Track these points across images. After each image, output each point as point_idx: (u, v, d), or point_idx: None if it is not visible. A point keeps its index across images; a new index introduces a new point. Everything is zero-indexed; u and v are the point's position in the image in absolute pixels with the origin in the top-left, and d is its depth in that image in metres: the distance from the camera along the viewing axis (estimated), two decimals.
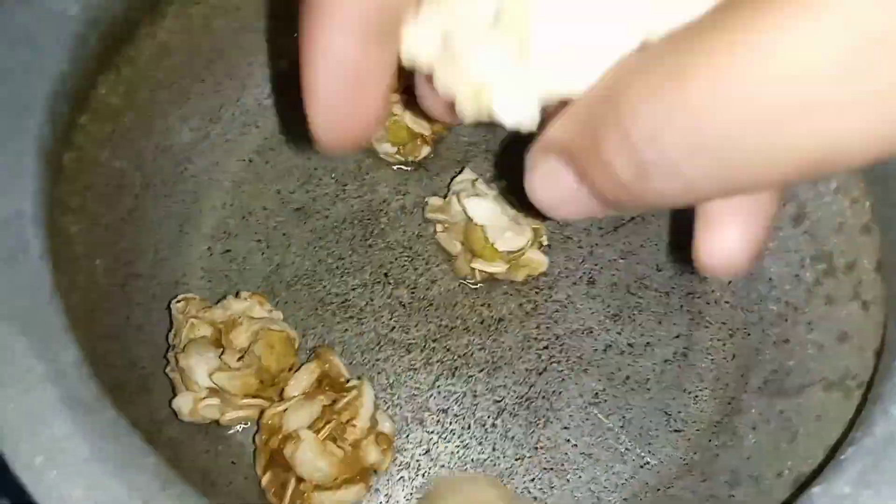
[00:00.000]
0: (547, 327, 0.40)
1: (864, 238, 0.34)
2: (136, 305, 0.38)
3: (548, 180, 0.18)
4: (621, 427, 0.38)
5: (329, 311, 0.40)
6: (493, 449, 0.37)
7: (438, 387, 0.38)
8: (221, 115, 0.43)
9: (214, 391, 0.35)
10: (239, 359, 0.35)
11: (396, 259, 0.41)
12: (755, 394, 0.37)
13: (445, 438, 0.37)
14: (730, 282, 0.40)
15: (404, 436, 0.37)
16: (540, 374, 0.39)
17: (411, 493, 0.36)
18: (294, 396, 0.35)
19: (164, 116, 0.41)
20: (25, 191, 0.29)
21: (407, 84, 0.42)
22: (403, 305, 0.40)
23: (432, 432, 0.38)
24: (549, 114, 0.18)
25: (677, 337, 0.39)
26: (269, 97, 0.44)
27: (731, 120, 0.14)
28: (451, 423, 0.38)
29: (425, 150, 0.42)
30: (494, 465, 0.37)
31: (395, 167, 0.43)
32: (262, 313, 0.37)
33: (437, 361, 0.39)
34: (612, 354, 0.39)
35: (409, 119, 0.41)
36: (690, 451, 0.37)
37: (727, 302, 0.40)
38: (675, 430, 0.38)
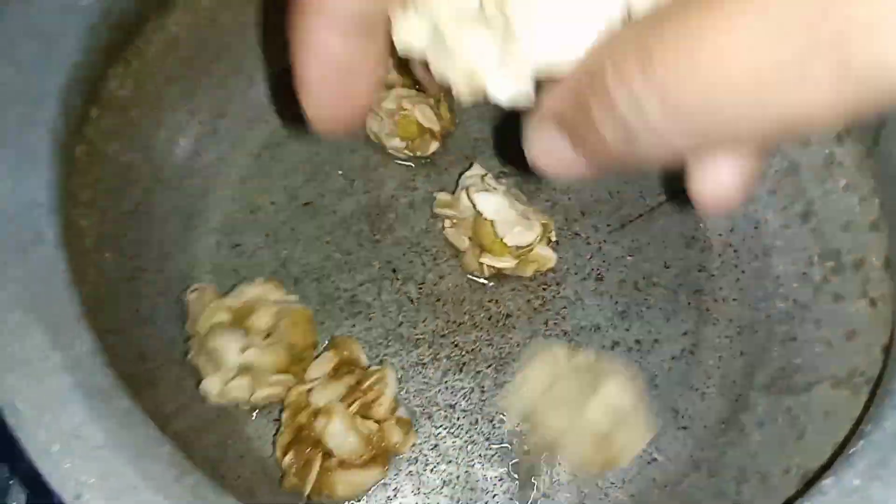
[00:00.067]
0: (555, 323, 0.40)
1: (872, 235, 0.35)
2: (144, 299, 0.38)
3: (546, 147, 0.20)
4: None
5: (337, 307, 0.40)
6: (501, 443, 0.37)
7: (446, 382, 0.39)
8: (229, 110, 0.43)
9: (243, 370, 0.35)
10: (264, 339, 0.35)
11: (404, 254, 0.41)
12: (762, 391, 0.37)
13: (453, 433, 0.38)
14: (737, 279, 0.40)
15: (412, 430, 0.37)
16: None
17: (418, 488, 0.36)
18: (316, 378, 0.35)
19: (172, 110, 0.41)
20: (40, 181, 0.29)
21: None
22: (411, 301, 0.40)
23: (440, 427, 0.38)
24: (545, 87, 0.19)
25: (685, 334, 0.40)
26: (276, 92, 0.44)
27: (703, 93, 0.15)
28: (459, 418, 0.38)
29: (434, 146, 0.43)
30: (502, 460, 0.37)
31: (403, 162, 0.43)
32: (277, 296, 0.37)
33: (445, 357, 0.39)
34: (620, 351, 0.39)
35: (418, 114, 0.41)
36: (697, 447, 0.37)
37: (735, 299, 0.40)
38: (683, 427, 0.38)
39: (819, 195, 0.37)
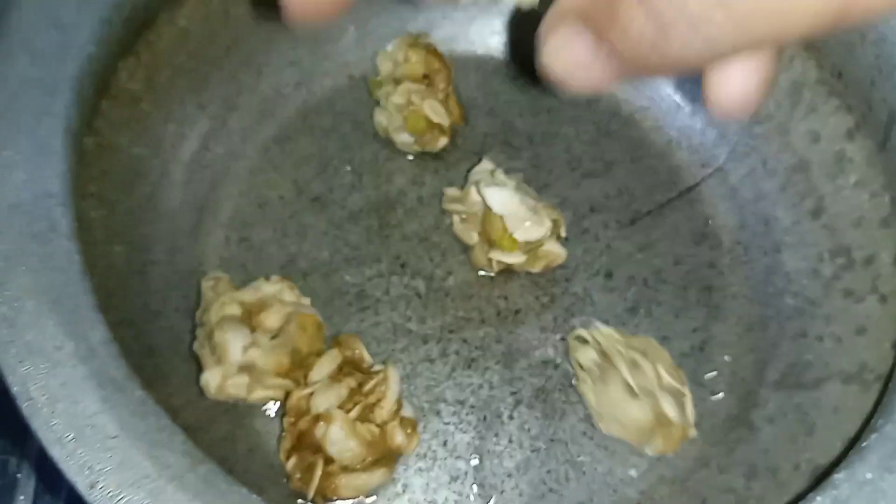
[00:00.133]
0: (564, 320, 0.40)
1: (883, 232, 0.35)
2: (153, 292, 0.38)
3: (564, 46, 0.18)
4: None
5: (345, 301, 0.40)
6: (510, 441, 0.37)
7: (455, 378, 0.39)
8: (239, 103, 0.43)
9: (244, 369, 0.35)
10: (270, 339, 0.35)
11: (413, 250, 0.41)
12: (772, 387, 0.37)
13: (462, 429, 0.37)
14: (747, 276, 0.41)
15: (421, 426, 0.37)
16: (556, 366, 0.39)
17: (427, 484, 0.36)
18: (318, 381, 0.35)
19: (182, 103, 0.41)
20: (54, 172, 0.29)
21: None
22: (420, 296, 0.40)
23: (448, 423, 0.38)
24: None
25: (694, 331, 0.40)
26: (286, 86, 0.44)
27: None
28: (467, 414, 0.38)
29: (443, 141, 0.43)
30: (511, 456, 0.37)
31: (411, 157, 0.44)
32: (292, 298, 0.37)
33: (454, 352, 0.39)
34: None
35: (427, 109, 0.41)
36: (707, 444, 0.37)
37: (744, 296, 0.40)
38: (693, 424, 0.38)
39: (829, 192, 0.37)
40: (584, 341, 0.37)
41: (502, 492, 0.36)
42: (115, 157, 0.37)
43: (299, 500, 0.35)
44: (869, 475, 0.26)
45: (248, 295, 0.36)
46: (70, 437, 0.25)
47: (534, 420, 0.38)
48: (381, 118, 0.43)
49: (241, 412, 0.37)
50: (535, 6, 0.19)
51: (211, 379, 0.35)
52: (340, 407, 0.34)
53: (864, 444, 0.27)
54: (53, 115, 0.30)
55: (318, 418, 0.34)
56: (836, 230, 0.37)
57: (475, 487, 0.36)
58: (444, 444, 0.37)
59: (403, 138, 0.42)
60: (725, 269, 0.41)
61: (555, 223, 0.39)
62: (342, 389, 0.35)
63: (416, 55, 0.42)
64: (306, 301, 0.38)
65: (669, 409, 0.35)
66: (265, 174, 0.43)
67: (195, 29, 0.40)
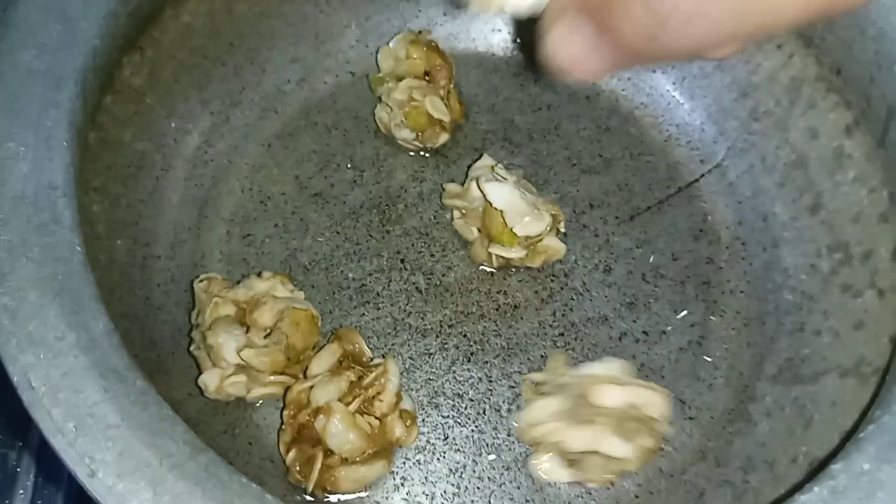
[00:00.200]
0: (562, 314, 0.40)
1: (881, 227, 0.35)
2: (155, 287, 0.38)
3: (567, 36, 0.19)
4: None
5: (346, 296, 0.40)
6: (509, 434, 0.37)
7: (454, 372, 0.39)
8: (241, 100, 0.43)
9: (241, 368, 0.35)
10: (265, 337, 0.35)
11: (413, 245, 0.42)
12: (770, 381, 0.37)
13: (461, 423, 0.38)
14: (745, 272, 0.41)
15: (420, 419, 0.37)
16: None
17: (426, 477, 0.36)
18: (318, 374, 0.35)
19: (185, 99, 0.41)
20: (58, 164, 0.29)
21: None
22: (420, 291, 0.40)
23: (448, 417, 0.38)
24: None
25: (692, 326, 0.40)
26: (288, 82, 0.44)
27: None
28: (466, 407, 0.38)
29: (443, 137, 0.43)
30: (510, 449, 0.37)
31: (412, 154, 0.44)
32: (284, 293, 0.37)
33: (453, 347, 0.39)
34: (628, 342, 0.39)
35: (428, 105, 0.41)
36: (705, 437, 0.37)
37: (742, 291, 0.40)
38: (690, 418, 0.38)
39: (828, 187, 0.38)
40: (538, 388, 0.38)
41: (501, 485, 0.36)
42: (118, 152, 0.38)
43: (299, 493, 0.35)
44: (866, 466, 0.26)
45: (241, 293, 0.36)
46: (71, 427, 0.25)
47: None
48: (382, 114, 0.43)
49: (241, 406, 0.37)
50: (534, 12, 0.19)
51: (209, 380, 0.35)
52: (340, 400, 0.35)
53: (861, 435, 0.27)
54: (58, 108, 0.30)
55: (317, 411, 0.34)
56: (834, 226, 0.37)
57: (474, 480, 0.36)
58: (444, 437, 0.37)
59: (404, 134, 0.43)
60: (724, 265, 0.41)
61: (554, 218, 0.39)
62: (342, 383, 0.35)
63: (417, 52, 0.43)
64: (300, 295, 0.38)
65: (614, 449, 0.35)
66: (267, 170, 0.43)
67: (199, 25, 0.40)
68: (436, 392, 0.38)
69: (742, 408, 0.37)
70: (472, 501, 0.36)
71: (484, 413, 0.38)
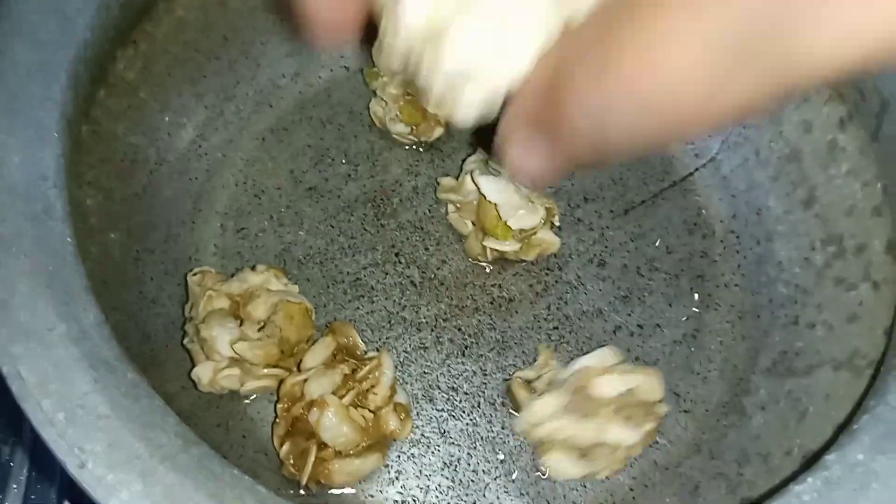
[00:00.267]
0: (557, 308, 0.40)
1: (875, 220, 0.35)
2: (148, 280, 0.38)
3: (524, 152, 0.21)
4: None
5: (340, 290, 0.40)
6: (503, 427, 0.37)
7: (448, 365, 0.39)
8: (235, 93, 0.43)
9: (234, 361, 0.35)
10: (258, 330, 0.35)
11: (408, 239, 0.41)
12: (764, 374, 0.37)
13: (455, 416, 0.38)
14: (739, 265, 0.41)
15: (414, 413, 0.37)
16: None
17: (420, 470, 0.36)
18: (312, 367, 0.35)
19: (179, 93, 0.41)
20: (49, 156, 0.29)
21: None
22: (414, 285, 0.40)
23: (442, 410, 0.38)
24: (510, 98, 0.21)
25: (687, 319, 0.40)
26: (283, 77, 0.44)
27: (664, 87, 0.17)
28: (460, 400, 0.38)
29: (438, 132, 0.43)
30: (504, 442, 0.37)
31: (407, 148, 0.44)
32: (278, 286, 0.37)
33: (448, 340, 0.39)
34: (622, 336, 0.39)
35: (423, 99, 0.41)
36: (699, 430, 0.37)
37: (736, 285, 0.40)
38: (684, 411, 0.38)
39: (822, 181, 0.38)
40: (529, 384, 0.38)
41: (496, 478, 0.36)
42: (111, 146, 0.37)
43: (293, 486, 0.35)
44: (860, 456, 0.26)
45: (235, 287, 0.36)
46: (61, 418, 0.25)
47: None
48: (377, 108, 0.43)
49: (234, 399, 0.37)
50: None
51: (202, 373, 0.35)
52: (334, 393, 0.35)
53: (855, 426, 0.27)
54: (49, 100, 0.30)
55: (311, 404, 0.34)
56: (828, 219, 0.37)
57: (468, 474, 0.36)
58: (438, 430, 0.37)
59: (399, 128, 0.42)
60: (718, 258, 0.41)
61: (548, 212, 0.39)
62: (336, 376, 0.35)
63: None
64: (294, 288, 0.38)
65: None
66: (261, 164, 0.43)
67: (192, 19, 0.40)
68: (430, 385, 0.38)
69: (736, 401, 0.37)
70: (467, 494, 0.36)
71: (478, 406, 0.38)
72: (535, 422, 0.35)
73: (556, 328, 0.39)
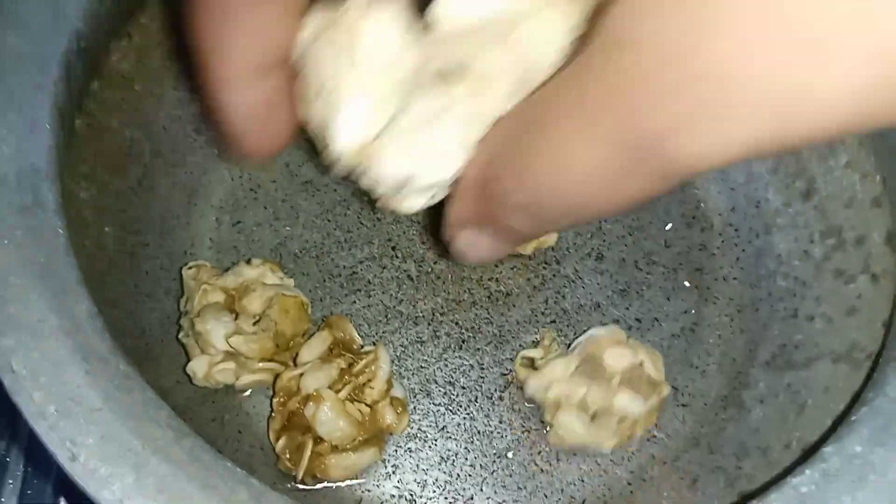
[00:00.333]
0: (554, 302, 0.40)
1: (874, 212, 0.35)
2: (144, 274, 0.38)
3: (470, 243, 0.24)
4: None
5: (337, 284, 0.40)
6: (500, 421, 0.37)
7: (446, 359, 0.38)
8: None
9: (230, 355, 0.35)
10: (254, 324, 0.35)
11: (405, 232, 0.41)
12: (763, 368, 0.37)
13: (452, 410, 0.37)
14: (738, 258, 0.40)
15: (411, 407, 0.37)
16: None
17: (417, 465, 0.36)
18: (308, 361, 0.35)
19: (173, 86, 0.41)
20: (41, 147, 0.29)
21: None
22: (411, 278, 0.40)
23: (439, 404, 0.38)
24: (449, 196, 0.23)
25: (685, 312, 0.40)
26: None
27: (563, 193, 0.19)
28: (458, 395, 0.38)
29: None
30: (502, 436, 0.37)
31: None
32: (274, 280, 0.37)
33: (445, 334, 0.39)
34: (620, 329, 0.39)
35: None
36: (698, 424, 0.37)
37: (735, 278, 0.40)
38: (683, 405, 0.38)
39: (821, 173, 0.37)
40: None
41: (493, 472, 0.36)
42: (106, 139, 0.37)
43: (289, 481, 0.35)
44: (858, 448, 0.26)
45: (230, 280, 0.36)
46: (52, 410, 0.24)
47: (524, 401, 0.38)
48: None
49: (230, 394, 0.37)
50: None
51: (197, 367, 0.35)
52: (330, 387, 0.34)
53: (854, 418, 0.27)
54: (41, 91, 0.30)
55: (307, 398, 0.34)
56: (827, 211, 0.37)
57: (466, 468, 0.36)
58: (435, 425, 0.37)
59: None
60: (716, 251, 0.41)
61: None
62: (332, 370, 0.35)
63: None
64: (290, 282, 0.38)
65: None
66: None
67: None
68: (427, 379, 0.38)
69: (735, 394, 0.37)
70: (465, 489, 0.36)
71: (476, 400, 0.38)
72: (548, 382, 0.35)
73: (553, 322, 0.39)
